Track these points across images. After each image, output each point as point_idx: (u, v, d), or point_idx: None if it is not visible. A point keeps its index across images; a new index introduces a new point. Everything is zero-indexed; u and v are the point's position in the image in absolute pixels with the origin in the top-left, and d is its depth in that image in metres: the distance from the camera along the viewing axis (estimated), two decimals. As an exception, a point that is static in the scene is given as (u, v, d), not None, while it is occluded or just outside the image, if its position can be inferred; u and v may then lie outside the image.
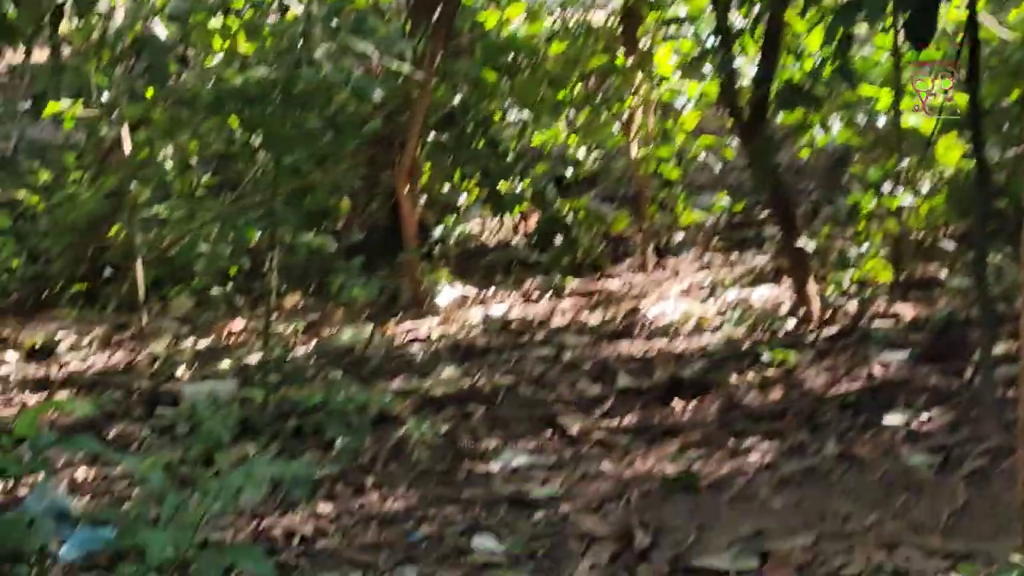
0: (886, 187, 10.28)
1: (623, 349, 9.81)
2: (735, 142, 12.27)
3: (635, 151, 12.41)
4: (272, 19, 10.99)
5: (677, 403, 8.27)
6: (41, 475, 6.84)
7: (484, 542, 6.29)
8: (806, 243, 9.79)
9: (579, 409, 8.40)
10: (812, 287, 9.87)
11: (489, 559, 6.13)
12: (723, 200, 13.26)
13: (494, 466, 7.38)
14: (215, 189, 13.87)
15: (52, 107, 11.09)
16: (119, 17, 10.19)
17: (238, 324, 11.29)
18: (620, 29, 12.30)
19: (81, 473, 7.68)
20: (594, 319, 10.82)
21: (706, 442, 7.51)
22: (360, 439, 7.74)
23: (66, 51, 12.83)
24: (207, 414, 7.59)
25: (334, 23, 9.07)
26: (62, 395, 9.44)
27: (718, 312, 10.54)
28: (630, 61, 12.12)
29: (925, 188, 10.48)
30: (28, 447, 5.89)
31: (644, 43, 12.15)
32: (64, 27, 10.35)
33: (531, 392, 8.87)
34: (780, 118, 11.17)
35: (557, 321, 10.91)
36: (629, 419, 8.11)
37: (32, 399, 9.35)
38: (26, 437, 5.56)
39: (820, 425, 7.58)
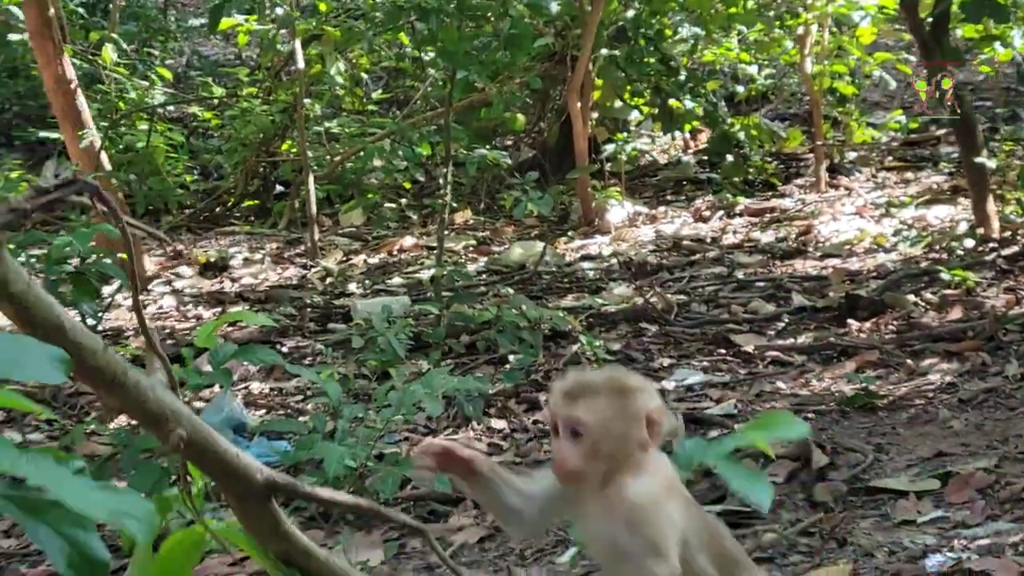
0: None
1: (796, 268, 9.70)
2: (913, 57, 12.04)
3: (809, 67, 12.19)
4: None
5: (852, 323, 8.14)
6: (217, 387, 6.96)
7: (659, 459, 6.22)
8: (985, 161, 9.56)
9: (753, 328, 8.31)
10: (991, 205, 9.65)
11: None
12: (898, 117, 13.02)
13: (668, 383, 7.31)
14: (385, 105, 13.93)
15: (226, 22, 11.17)
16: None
17: (408, 240, 11.33)
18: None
19: (256, 387, 7.77)
20: (766, 237, 10.71)
21: (883, 362, 7.40)
22: (533, 355, 7.71)
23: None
24: (381, 329, 7.62)
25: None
26: (234, 309, 9.55)
27: (893, 231, 10.36)
28: (803, -26, 11.90)
29: (1111, 105, 10.19)
30: (208, 359, 5.95)
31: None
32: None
33: (704, 310, 8.80)
34: (960, 32, 10.92)
35: (729, 239, 10.82)
36: (804, 338, 8.00)
37: (207, 313, 9.47)
38: (205, 349, 5.59)
39: (1001, 346, 7.42)
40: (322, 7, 11.38)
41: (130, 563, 2.90)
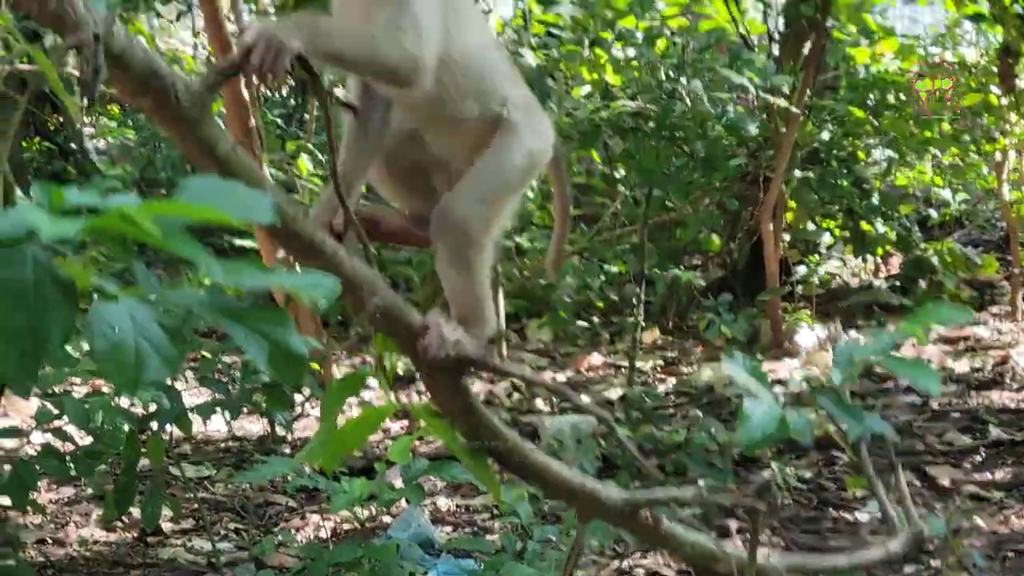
0: None
1: (993, 399, 9.46)
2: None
3: (1006, 193, 11.99)
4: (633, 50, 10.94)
5: (1054, 458, 7.92)
6: (404, 503, 6.94)
7: (853, 594, 6.06)
8: None
9: (948, 460, 8.10)
10: None
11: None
12: (1099, 246, 12.74)
13: (861, 515, 7.16)
14: (572, 220, 13.95)
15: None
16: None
17: (596, 358, 11.27)
18: (996, 67, 11.89)
19: (443, 503, 7.73)
20: (961, 366, 10.47)
21: (1087, 501, 7.17)
22: (723, 481, 7.59)
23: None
24: (571, 448, 7.57)
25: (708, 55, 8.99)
26: (424, 423, 9.52)
27: (1095, 364, 10.10)
28: (1005, 100, 11.70)
29: None
30: (400, 474, 5.95)
31: (1021, 81, 11.72)
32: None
33: (897, 440, 8.60)
34: None
35: (922, 367, 10.58)
36: (1002, 473, 7.78)
37: (394, 426, 9.47)
38: (396, 464, 5.59)
39: None
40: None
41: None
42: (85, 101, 2.42)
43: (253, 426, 9.23)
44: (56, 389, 6.74)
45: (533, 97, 3.34)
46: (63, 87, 2.50)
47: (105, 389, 6.93)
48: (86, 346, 6.70)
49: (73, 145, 16.78)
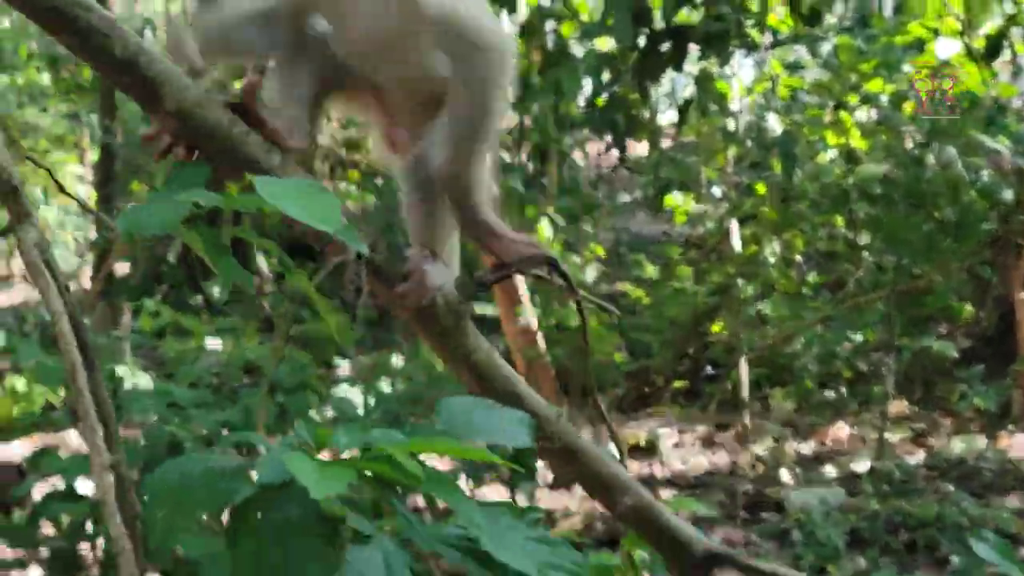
0: None
1: None
2: None
3: None
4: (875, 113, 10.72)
5: None
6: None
7: None
8: None
9: None
10: None
11: None
12: None
13: None
14: (815, 288, 13.70)
15: (668, 200, 11.23)
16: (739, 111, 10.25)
17: (842, 429, 11.00)
18: None
19: None
20: None
21: None
22: (979, 559, 7.30)
23: (665, 143, 12.97)
24: (820, 522, 7.37)
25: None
26: (665, 494, 9.38)
27: None
28: None
29: None
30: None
31: None
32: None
33: None
34: None
35: None
36: None
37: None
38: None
39: None
40: (760, 189, 11.28)
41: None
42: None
43: (493, 495, 9.17)
44: None
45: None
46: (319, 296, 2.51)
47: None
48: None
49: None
